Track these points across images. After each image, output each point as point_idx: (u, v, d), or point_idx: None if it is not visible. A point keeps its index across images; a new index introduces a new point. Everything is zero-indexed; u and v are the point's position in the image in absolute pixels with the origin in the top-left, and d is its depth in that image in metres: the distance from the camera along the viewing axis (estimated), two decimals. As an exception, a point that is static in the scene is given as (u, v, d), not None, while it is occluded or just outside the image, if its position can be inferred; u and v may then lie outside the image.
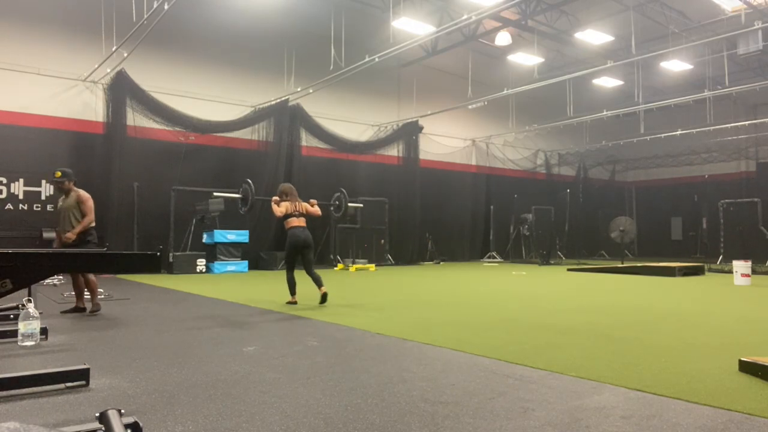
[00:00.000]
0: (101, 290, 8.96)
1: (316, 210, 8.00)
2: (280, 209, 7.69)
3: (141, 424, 2.57)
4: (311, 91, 16.00)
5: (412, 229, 19.28)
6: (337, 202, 9.37)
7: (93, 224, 6.89)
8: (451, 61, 19.90)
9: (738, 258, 12.40)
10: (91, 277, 6.82)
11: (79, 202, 6.77)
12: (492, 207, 22.09)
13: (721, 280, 12.70)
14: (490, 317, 6.71)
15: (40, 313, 4.92)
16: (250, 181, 8.23)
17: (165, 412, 3.06)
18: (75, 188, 6.89)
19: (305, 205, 7.89)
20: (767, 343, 5.14)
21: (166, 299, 8.45)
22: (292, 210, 7.71)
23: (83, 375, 3.54)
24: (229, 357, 4.39)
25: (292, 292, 7.69)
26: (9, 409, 3.11)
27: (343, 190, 9.45)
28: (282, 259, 15.25)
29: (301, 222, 7.70)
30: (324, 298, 7.52)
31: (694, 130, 19.99)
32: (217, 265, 13.97)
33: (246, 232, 14.63)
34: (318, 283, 7.57)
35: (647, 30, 17.06)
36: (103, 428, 2.52)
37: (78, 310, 6.83)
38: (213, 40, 15.77)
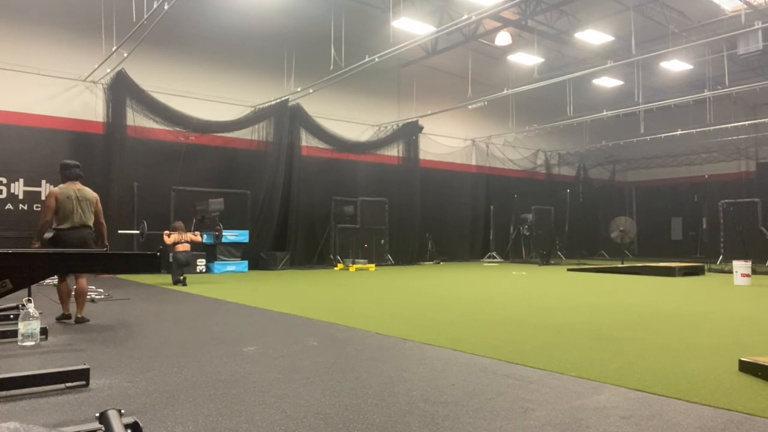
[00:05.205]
0: (101, 290, 8.98)
1: (198, 238, 11.77)
2: (169, 239, 11.19)
3: (141, 424, 2.58)
4: (311, 91, 15.99)
5: (412, 229, 19.27)
6: (216, 232, 13.34)
7: (50, 224, 6.17)
8: (451, 61, 19.90)
9: (738, 258, 12.41)
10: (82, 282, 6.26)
11: None
12: (492, 207, 22.09)
13: (721, 280, 12.70)
14: (490, 317, 6.71)
15: (40, 313, 4.92)
16: (145, 222, 12.00)
17: (165, 412, 3.06)
18: (62, 182, 6.41)
19: (189, 235, 11.45)
20: (767, 343, 5.14)
21: (166, 299, 8.45)
22: (179, 239, 11.16)
23: (83, 375, 3.54)
24: (229, 357, 4.39)
25: (183, 283, 10.66)
26: (9, 409, 3.11)
27: (220, 224, 13.38)
28: (282, 259, 15.51)
29: (185, 247, 11.16)
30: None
31: (694, 130, 19.99)
32: (217, 265, 13.96)
33: (246, 232, 14.63)
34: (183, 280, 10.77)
35: (647, 30, 17.05)
36: (103, 428, 2.52)
37: (65, 317, 6.26)
38: (213, 40, 15.77)
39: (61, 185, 6.31)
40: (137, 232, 12.76)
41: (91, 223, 6.35)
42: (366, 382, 3.66)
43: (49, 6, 13.62)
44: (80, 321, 6.13)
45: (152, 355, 4.46)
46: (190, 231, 11.76)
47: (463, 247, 21.64)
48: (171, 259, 11.27)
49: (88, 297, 6.94)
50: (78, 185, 6.37)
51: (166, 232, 11.30)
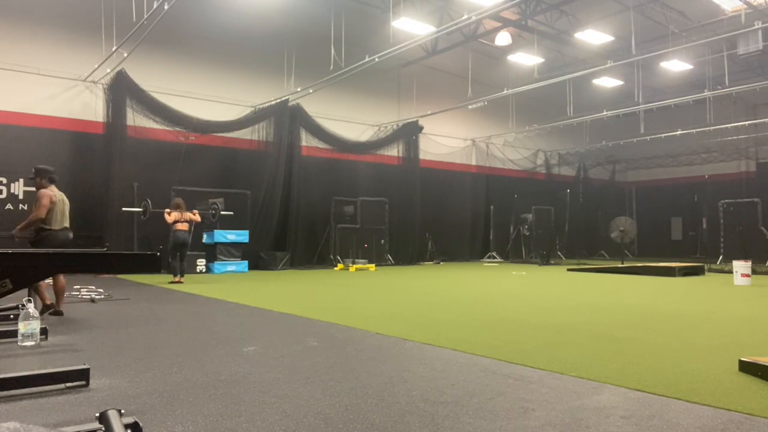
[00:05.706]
0: (101, 290, 8.99)
1: (197, 217, 11.57)
2: (170, 217, 11.06)
3: (141, 424, 2.58)
4: (311, 91, 16.00)
5: (412, 229, 19.27)
6: (213, 211, 13.30)
7: (42, 223, 6.42)
8: (451, 61, 19.90)
9: (738, 258, 12.41)
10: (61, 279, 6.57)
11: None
12: (492, 207, 22.09)
13: (721, 280, 12.70)
14: (490, 317, 6.71)
15: (40, 313, 4.91)
16: (148, 200, 12.47)
17: (165, 412, 3.06)
18: (44, 186, 6.62)
19: (189, 214, 11.27)
20: (767, 343, 5.14)
21: (166, 299, 8.45)
22: (179, 218, 11.04)
23: (83, 375, 3.54)
24: (229, 357, 4.39)
25: (175, 274, 10.80)
26: (9, 409, 3.11)
27: (217, 203, 13.70)
28: (282, 259, 15.50)
29: (184, 226, 11.08)
30: (179, 282, 10.55)
31: (694, 130, 19.99)
32: (217, 265, 13.96)
33: (246, 232, 14.63)
34: (182, 273, 10.91)
35: (647, 30, 17.05)
36: (103, 428, 2.52)
37: (56, 312, 6.41)
38: (213, 40, 15.77)
39: (48, 188, 6.59)
40: (140, 209, 12.84)
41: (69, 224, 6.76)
42: (366, 382, 3.66)
43: (49, 6, 13.62)
44: (58, 313, 6.43)
45: (152, 355, 4.46)
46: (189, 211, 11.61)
47: (463, 247, 21.64)
48: (173, 237, 11.23)
49: (88, 297, 6.99)
50: (56, 189, 6.68)
51: (167, 210, 11.33)
